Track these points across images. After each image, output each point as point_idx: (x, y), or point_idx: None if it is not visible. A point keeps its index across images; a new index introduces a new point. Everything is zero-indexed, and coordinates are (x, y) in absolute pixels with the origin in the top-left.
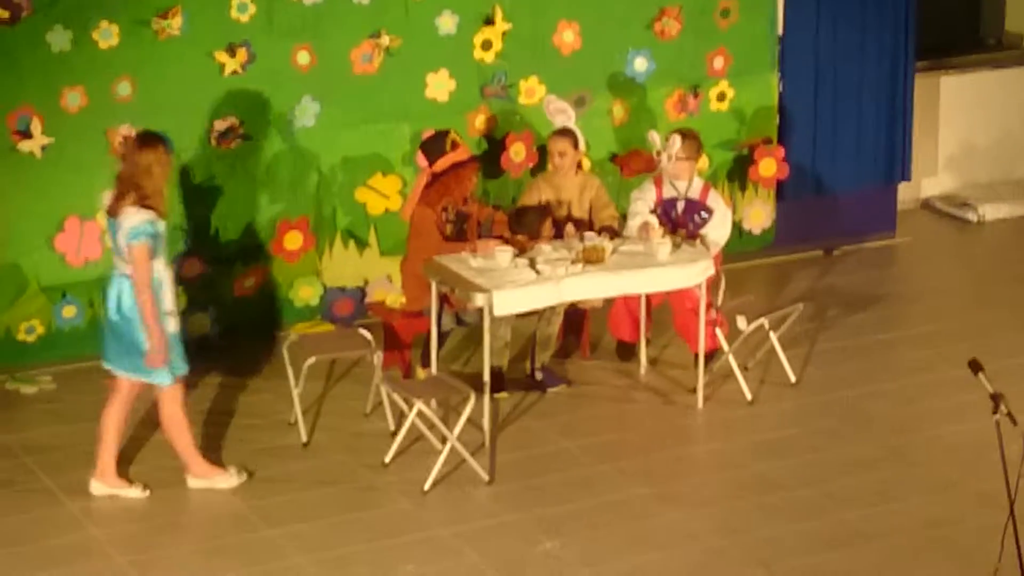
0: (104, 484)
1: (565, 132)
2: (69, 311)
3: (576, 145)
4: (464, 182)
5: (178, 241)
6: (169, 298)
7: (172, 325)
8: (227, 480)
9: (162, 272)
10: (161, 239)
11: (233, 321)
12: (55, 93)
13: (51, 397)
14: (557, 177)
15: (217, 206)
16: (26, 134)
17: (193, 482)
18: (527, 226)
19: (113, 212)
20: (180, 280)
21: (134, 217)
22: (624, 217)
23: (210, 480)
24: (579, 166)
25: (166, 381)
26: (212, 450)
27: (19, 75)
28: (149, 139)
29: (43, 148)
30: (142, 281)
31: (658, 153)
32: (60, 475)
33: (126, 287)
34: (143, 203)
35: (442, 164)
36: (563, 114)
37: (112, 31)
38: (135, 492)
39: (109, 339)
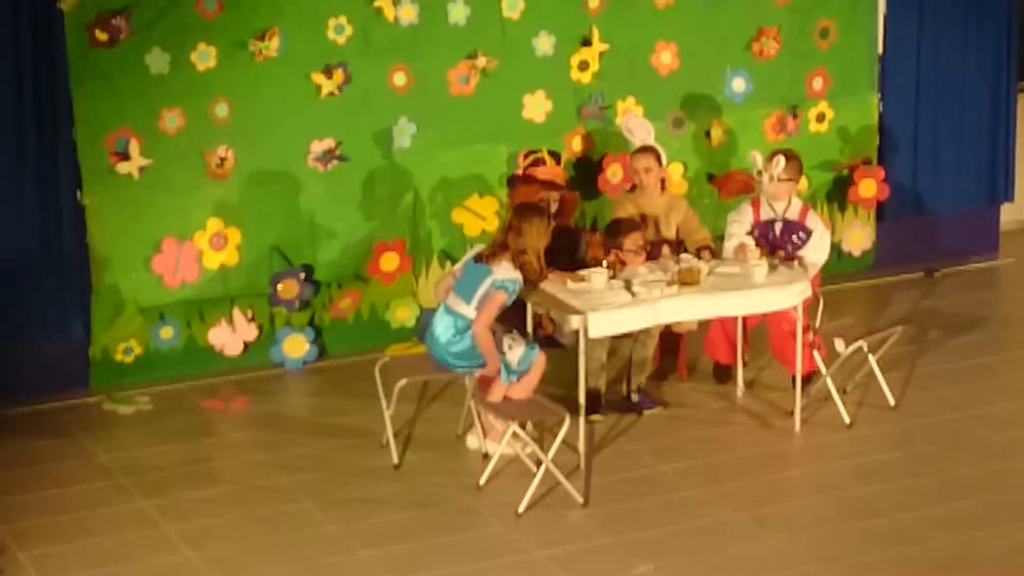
0: (475, 437)
1: (648, 149)
2: (166, 332)
3: (660, 161)
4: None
5: (275, 261)
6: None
7: None
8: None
9: None
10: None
11: (329, 342)
12: (153, 114)
13: (148, 418)
14: (643, 195)
15: (314, 227)
16: (124, 155)
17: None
18: (619, 234)
19: (485, 260)
20: (277, 301)
21: (508, 271)
22: (720, 239)
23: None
24: (663, 185)
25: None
26: (302, 470)
27: (118, 97)
28: (534, 210)
29: (141, 169)
30: (488, 322)
31: (759, 173)
32: (156, 496)
33: (450, 322)
34: (517, 260)
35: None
36: (643, 130)
37: (210, 53)
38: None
39: (449, 362)
